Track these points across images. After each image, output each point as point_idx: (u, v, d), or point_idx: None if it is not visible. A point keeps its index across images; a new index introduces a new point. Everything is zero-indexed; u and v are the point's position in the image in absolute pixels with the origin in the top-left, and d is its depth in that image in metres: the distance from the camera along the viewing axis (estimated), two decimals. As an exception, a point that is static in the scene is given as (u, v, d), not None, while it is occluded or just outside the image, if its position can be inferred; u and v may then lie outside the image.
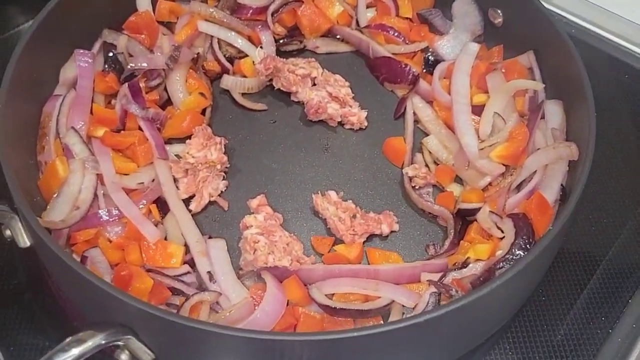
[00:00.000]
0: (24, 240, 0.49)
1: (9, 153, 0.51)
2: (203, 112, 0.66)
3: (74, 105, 0.60)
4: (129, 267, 0.51)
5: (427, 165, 0.63)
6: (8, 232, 0.49)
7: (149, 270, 0.53)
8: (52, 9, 0.60)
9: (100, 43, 0.66)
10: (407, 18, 0.72)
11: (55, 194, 0.55)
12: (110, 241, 0.54)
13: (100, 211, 0.54)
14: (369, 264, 0.56)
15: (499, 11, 0.67)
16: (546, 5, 0.76)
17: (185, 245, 0.55)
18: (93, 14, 0.65)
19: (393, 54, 0.70)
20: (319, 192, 0.59)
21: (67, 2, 0.61)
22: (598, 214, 0.63)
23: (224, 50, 0.71)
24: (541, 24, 0.62)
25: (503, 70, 0.65)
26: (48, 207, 0.54)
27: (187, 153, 0.59)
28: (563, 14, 0.79)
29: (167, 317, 0.43)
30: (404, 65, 0.67)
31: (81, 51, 0.63)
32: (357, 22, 0.73)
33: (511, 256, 0.50)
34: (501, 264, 0.50)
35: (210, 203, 0.60)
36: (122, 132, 0.61)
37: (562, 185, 0.55)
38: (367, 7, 0.74)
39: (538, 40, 0.63)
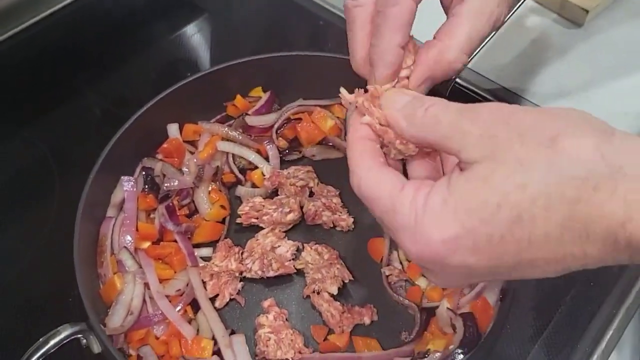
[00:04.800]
0: (98, 348, 0.66)
1: (83, 276, 0.69)
2: (223, 220, 0.83)
3: (123, 225, 0.77)
4: (173, 362, 0.69)
5: (401, 262, 0.79)
6: (84, 341, 0.66)
7: (187, 361, 0.70)
8: (111, 148, 0.77)
9: (140, 168, 0.83)
10: (386, 131, 0.89)
11: (114, 302, 0.72)
12: (157, 338, 0.71)
13: (149, 315, 0.72)
14: (355, 350, 0.72)
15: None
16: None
17: (213, 337, 0.72)
18: (135, 145, 0.82)
19: (375, 163, 0.86)
20: (315, 291, 0.75)
21: (120, 141, 0.78)
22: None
23: (238, 162, 0.87)
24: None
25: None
26: (109, 312, 0.71)
27: (213, 263, 0.76)
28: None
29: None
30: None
31: (126, 178, 0.80)
32: (346, 133, 0.89)
33: (458, 351, 0.66)
34: (452, 357, 0.67)
35: (231, 300, 0.76)
36: (161, 243, 0.78)
37: (502, 288, 0.71)
38: (354, 120, 0.90)
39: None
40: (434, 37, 0.56)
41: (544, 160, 0.37)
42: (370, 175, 0.46)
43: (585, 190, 0.36)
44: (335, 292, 0.74)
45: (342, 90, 0.54)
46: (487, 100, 0.93)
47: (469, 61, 0.55)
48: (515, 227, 0.37)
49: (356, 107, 0.52)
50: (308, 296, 0.75)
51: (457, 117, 0.42)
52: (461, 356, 0.66)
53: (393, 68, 0.53)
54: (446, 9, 0.58)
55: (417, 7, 0.52)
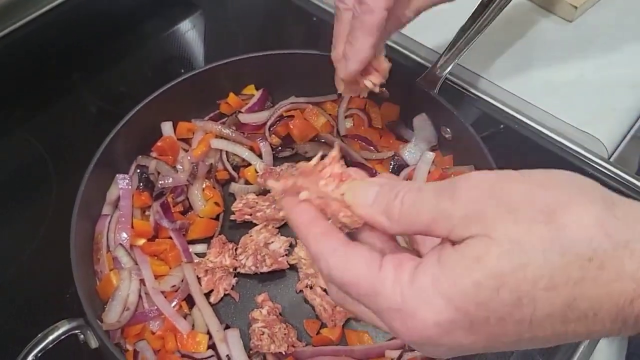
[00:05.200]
0: (95, 343, 0.67)
1: (80, 273, 0.70)
2: (217, 217, 0.84)
3: (119, 222, 0.79)
4: (169, 357, 0.70)
5: (392, 257, 0.80)
6: (82, 337, 0.67)
7: (183, 355, 0.71)
8: (106, 147, 0.78)
9: (135, 166, 0.84)
10: (377, 128, 0.90)
11: (111, 298, 0.73)
12: (153, 333, 0.73)
13: (145, 311, 0.73)
14: (347, 343, 0.74)
15: (448, 129, 0.85)
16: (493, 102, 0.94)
17: (208, 332, 0.74)
18: (130, 144, 0.83)
19: (366, 159, 0.87)
20: (308, 285, 0.77)
21: (115, 139, 0.79)
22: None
23: (231, 159, 0.88)
24: (475, 146, 0.79)
25: (453, 177, 0.82)
26: (106, 308, 0.72)
27: (207, 259, 0.77)
28: (507, 110, 0.95)
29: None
30: (374, 171, 0.85)
31: (121, 176, 0.81)
32: (338, 131, 0.91)
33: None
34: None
35: (225, 295, 0.78)
36: (157, 240, 0.79)
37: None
38: (346, 117, 0.92)
39: (475, 157, 0.80)
40: None
41: (544, 238, 0.34)
42: (338, 259, 0.40)
43: (590, 270, 0.33)
44: None
45: (271, 182, 0.48)
46: (476, 96, 0.94)
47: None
48: (515, 310, 0.35)
49: (285, 193, 0.46)
50: (301, 291, 0.77)
51: (436, 200, 0.38)
52: (450, 348, 0.68)
53: (363, 64, 0.62)
54: None
55: (388, 14, 0.59)
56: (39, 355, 0.62)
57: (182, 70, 1.09)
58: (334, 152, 0.46)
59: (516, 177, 0.38)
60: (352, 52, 0.62)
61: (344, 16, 0.63)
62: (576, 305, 0.34)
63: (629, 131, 0.91)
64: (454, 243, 0.38)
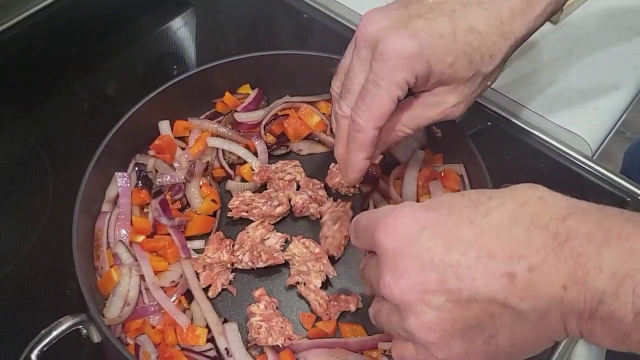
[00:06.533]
0: (97, 337, 0.69)
1: (82, 269, 0.72)
2: (214, 214, 0.86)
3: (118, 219, 0.80)
4: (170, 350, 0.72)
5: (384, 252, 0.83)
6: (84, 331, 0.69)
7: (182, 349, 0.74)
8: (105, 146, 0.80)
9: (133, 164, 0.86)
10: (370, 127, 0.92)
11: (111, 294, 0.75)
12: (154, 327, 0.75)
13: (145, 305, 0.75)
14: (342, 335, 0.77)
15: (438, 129, 0.87)
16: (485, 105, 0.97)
17: (207, 326, 0.76)
18: (128, 142, 0.84)
19: (359, 157, 0.89)
20: (298, 282, 0.79)
21: (114, 138, 0.81)
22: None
23: (227, 157, 0.90)
24: (464, 145, 0.82)
25: (442, 174, 0.85)
26: (107, 304, 0.74)
27: (205, 255, 0.79)
28: (495, 109, 0.98)
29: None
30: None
31: (120, 174, 0.83)
32: (331, 129, 0.93)
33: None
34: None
35: (223, 290, 0.80)
36: (155, 236, 0.81)
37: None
38: (339, 116, 0.94)
39: (464, 155, 0.83)
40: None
41: (495, 192, 0.48)
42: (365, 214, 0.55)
43: (532, 198, 0.46)
44: (319, 285, 0.78)
45: None
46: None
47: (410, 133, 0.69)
48: (471, 212, 0.47)
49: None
50: (294, 285, 0.79)
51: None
52: (441, 340, 0.71)
53: (360, 174, 0.69)
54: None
55: (379, 132, 0.65)
56: (44, 349, 0.64)
57: (175, 67, 1.11)
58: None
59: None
60: (350, 164, 0.68)
61: (342, 122, 0.68)
62: (519, 219, 0.45)
63: (611, 130, 0.94)
64: None
